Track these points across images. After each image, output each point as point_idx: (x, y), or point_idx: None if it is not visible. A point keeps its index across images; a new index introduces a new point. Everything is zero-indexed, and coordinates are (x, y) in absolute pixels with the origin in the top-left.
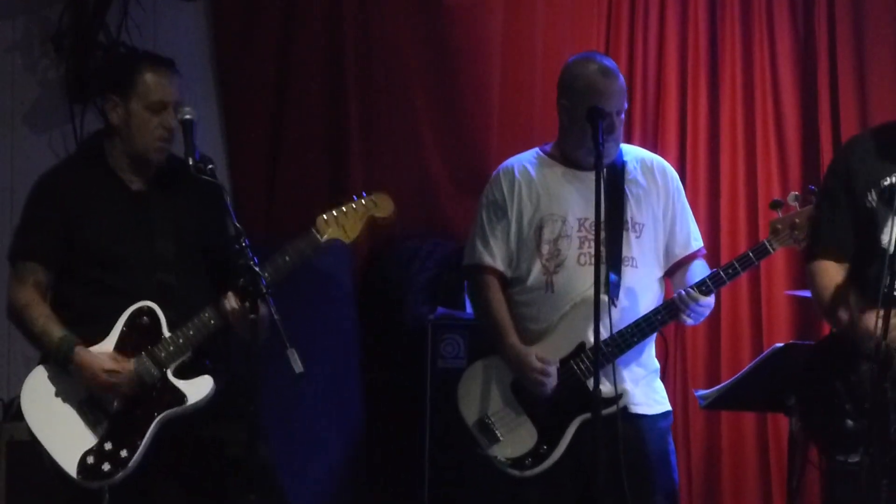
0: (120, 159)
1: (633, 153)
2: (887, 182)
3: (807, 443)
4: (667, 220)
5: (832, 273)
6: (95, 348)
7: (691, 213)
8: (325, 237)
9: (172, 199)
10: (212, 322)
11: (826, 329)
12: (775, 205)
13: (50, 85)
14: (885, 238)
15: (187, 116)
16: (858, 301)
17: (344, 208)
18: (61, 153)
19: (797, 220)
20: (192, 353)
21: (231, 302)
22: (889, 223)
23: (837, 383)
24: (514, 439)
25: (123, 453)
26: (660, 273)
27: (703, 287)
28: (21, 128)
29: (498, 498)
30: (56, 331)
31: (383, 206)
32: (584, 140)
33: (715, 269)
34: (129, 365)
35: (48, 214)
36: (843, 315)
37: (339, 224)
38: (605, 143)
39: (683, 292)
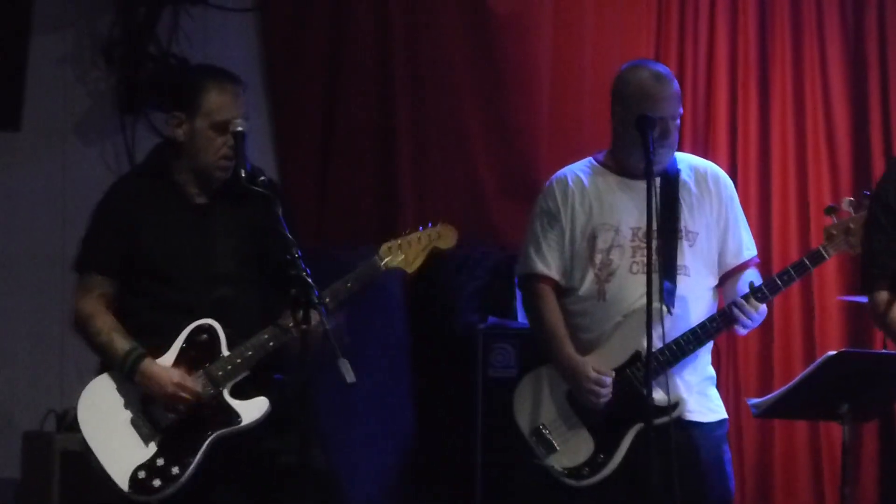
0: (184, 173)
1: (686, 161)
2: None
3: (860, 451)
4: (720, 228)
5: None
6: (159, 362)
7: (745, 221)
8: (387, 265)
9: (235, 211)
10: (270, 344)
11: (879, 335)
12: (830, 210)
13: (101, 96)
14: None
15: (238, 128)
16: None
17: (408, 237)
18: (112, 164)
19: (852, 226)
20: (249, 372)
21: (288, 320)
22: None
23: None
24: (570, 449)
25: (175, 470)
26: (714, 282)
27: (758, 294)
28: (72, 139)
29: None
30: (122, 343)
31: (447, 238)
32: (636, 147)
33: (770, 277)
34: (196, 385)
35: (112, 226)
36: None
37: (402, 252)
38: (658, 149)
39: (740, 301)
